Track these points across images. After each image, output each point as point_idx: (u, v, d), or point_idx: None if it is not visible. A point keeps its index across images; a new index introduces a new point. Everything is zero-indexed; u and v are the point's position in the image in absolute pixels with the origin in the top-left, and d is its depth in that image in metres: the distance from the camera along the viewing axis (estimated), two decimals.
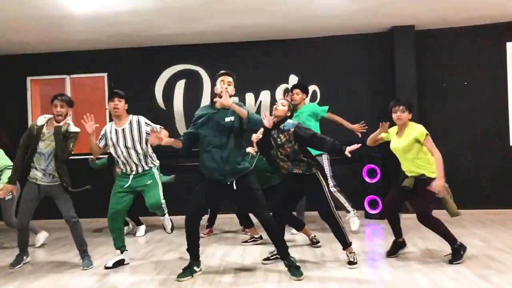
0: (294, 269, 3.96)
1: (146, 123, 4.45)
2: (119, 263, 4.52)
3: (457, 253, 4.23)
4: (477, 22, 6.74)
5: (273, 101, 7.27)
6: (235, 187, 3.92)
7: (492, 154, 6.83)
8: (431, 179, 4.21)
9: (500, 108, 6.84)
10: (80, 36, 6.60)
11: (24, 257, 4.75)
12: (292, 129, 4.12)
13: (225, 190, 3.96)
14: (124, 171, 4.47)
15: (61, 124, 4.36)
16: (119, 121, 4.42)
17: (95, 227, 6.80)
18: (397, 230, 4.53)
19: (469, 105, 6.92)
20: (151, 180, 4.48)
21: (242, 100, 7.25)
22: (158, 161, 4.68)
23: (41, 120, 4.46)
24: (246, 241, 5.35)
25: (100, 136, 4.46)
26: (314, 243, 5.08)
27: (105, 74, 7.48)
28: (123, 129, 4.38)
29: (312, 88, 7.18)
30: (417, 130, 4.21)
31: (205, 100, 7.30)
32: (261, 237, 5.31)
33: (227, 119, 3.92)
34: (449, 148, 6.89)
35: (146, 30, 6.46)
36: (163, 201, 4.51)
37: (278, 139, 4.18)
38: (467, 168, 6.89)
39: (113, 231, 4.48)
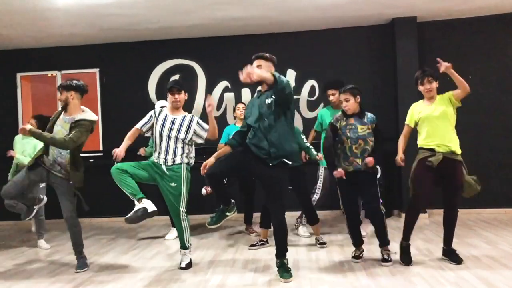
0: (284, 271, 3.78)
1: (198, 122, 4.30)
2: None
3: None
4: (482, 13, 6.46)
5: None
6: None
7: (498, 152, 6.54)
8: (460, 162, 4.07)
9: (507, 103, 6.56)
10: (68, 30, 6.39)
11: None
12: (375, 123, 4.14)
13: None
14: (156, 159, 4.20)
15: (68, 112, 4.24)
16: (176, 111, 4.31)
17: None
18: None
19: (474, 100, 6.62)
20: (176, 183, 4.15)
21: (238, 96, 7.03)
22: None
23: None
24: (253, 245, 4.98)
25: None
26: (320, 243, 4.91)
27: (97, 70, 7.28)
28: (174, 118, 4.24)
29: (310, 83, 6.94)
30: (446, 94, 4.19)
31: (200, 95, 7.07)
32: (267, 241, 5.01)
33: (268, 101, 3.72)
34: None
35: (136, 23, 6.23)
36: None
37: (360, 130, 4.07)
38: (472, 166, 6.55)
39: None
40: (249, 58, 6.93)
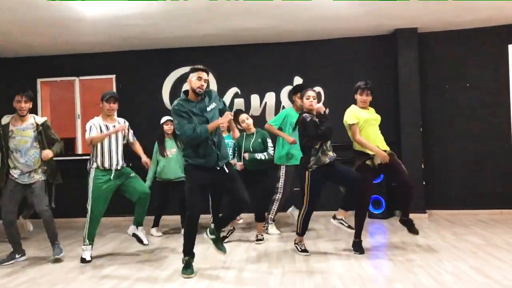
0: (220, 243, 4.24)
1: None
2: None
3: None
4: (480, 25, 6.83)
5: (278, 102, 7.40)
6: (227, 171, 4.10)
7: (494, 155, 6.89)
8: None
9: (502, 110, 6.92)
10: (89, 39, 6.77)
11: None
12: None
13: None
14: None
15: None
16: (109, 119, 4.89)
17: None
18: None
19: (472, 107, 7.00)
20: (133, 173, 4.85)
21: (248, 102, 7.39)
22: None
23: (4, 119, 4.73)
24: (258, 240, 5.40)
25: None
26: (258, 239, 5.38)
27: (113, 76, 7.64)
28: (114, 125, 4.81)
29: (316, 89, 7.28)
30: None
31: None
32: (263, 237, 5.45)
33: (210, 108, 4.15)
34: (452, 149, 7.02)
35: (153, 32, 6.61)
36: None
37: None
38: (469, 169, 6.97)
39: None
40: (258, 66, 7.42)
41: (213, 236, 4.21)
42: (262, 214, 5.50)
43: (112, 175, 4.68)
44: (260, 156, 5.35)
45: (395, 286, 3.60)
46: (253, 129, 5.54)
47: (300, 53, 7.37)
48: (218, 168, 4.05)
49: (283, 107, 7.39)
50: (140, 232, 4.91)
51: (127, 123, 4.96)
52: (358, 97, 4.85)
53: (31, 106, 4.75)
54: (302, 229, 4.68)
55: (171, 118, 5.96)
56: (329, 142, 4.59)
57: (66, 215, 7.04)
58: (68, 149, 7.92)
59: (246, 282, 3.87)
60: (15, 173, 4.64)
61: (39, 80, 7.73)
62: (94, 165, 4.70)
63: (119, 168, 4.73)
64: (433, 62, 7.10)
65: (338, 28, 6.80)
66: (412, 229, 4.71)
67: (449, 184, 6.99)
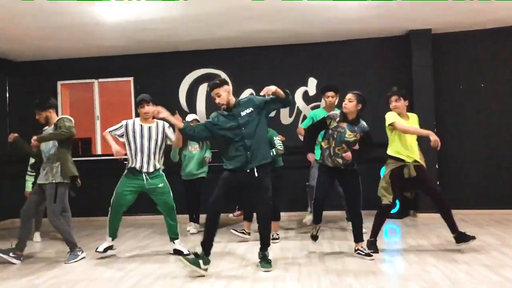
0: (266, 262, 4.29)
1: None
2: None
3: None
4: (494, 25, 6.84)
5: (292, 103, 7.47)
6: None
7: (508, 155, 6.90)
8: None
9: None
10: (109, 43, 6.94)
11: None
12: (364, 132, 4.52)
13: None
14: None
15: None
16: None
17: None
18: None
19: (486, 107, 7.01)
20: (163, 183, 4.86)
21: None
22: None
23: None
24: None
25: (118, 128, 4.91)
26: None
27: (131, 78, 7.81)
28: (149, 127, 4.84)
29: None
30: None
31: None
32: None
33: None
34: (466, 149, 7.03)
35: (170, 36, 6.75)
36: None
37: (347, 135, 4.45)
38: (484, 169, 6.98)
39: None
40: (272, 67, 7.52)
41: (261, 261, 4.34)
42: (276, 213, 5.58)
43: (143, 177, 4.77)
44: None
45: (409, 285, 3.68)
46: None
47: (314, 55, 7.46)
48: (248, 171, 4.19)
49: (298, 108, 7.49)
50: (179, 246, 4.95)
51: (166, 125, 4.92)
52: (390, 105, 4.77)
53: (51, 113, 4.97)
54: (314, 216, 4.81)
55: (197, 117, 6.23)
56: (338, 149, 4.50)
57: (86, 214, 7.24)
58: (87, 150, 8.10)
59: (263, 279, 3.99)
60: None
61: (59, 83, 7.94)
62: (128, 165, 4.86)
63: (150, 171, 4.78)
64: (447, 63, 7.13)
65: (352, 30, 6.87)
66: (466, 238, 4.61)
67: (464, 184, 7.01)
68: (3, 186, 7.32)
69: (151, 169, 4.77)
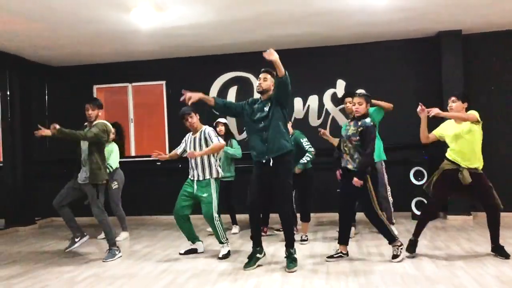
0: (290, 261, 4.39)
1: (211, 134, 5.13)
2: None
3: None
4: None
5: (321, 105, 7.55)
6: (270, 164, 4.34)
7: None
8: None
9: None
10: (143, 48, 7.20)
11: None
12: (363, 127, 4.47)
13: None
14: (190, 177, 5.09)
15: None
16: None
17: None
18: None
19: None
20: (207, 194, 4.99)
21: (291, 105, 7.57)
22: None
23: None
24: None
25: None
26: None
27: (163, 82, 8.05)
28: (194, 137, 5.09)
29: (359, 92, 7.37)
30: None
31: None
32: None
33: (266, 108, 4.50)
34: (498, 151, 6.94)
35: (201, 41, 6.94)
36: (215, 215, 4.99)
37: (350, 131, 4.54)
38: (505, 172, 6.86)
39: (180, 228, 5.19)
40: (301, 70, 7.60)
41: (287, 260, 4.45)
42: (307, 214, 5.69)
43: (194, 185, 5.02)
44: (304, 160, 5.55)
45: None
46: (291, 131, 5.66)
47: (343, 57, 7.51)
48: (264, 161, 4.35)
49: (326, 110, 7.55)
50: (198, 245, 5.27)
51: (207, 130, 5.11)
52: None
53: (99, 113, 5.18)
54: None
55: (222, 121, 6.36)
56: (345, 145, 4.57)
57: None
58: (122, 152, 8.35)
59: (292, 280, 4.10)
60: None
61: (95, 87, 8.25)
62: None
63: (199, 179, 4.99)
64: (479, 64, 7.05)
65: (381, 32, 6.90)
66: (502, 252, 4.53)
67: (494, 186, 6.90)
68: (44, 186, 7.67)
69: (199, 178, 5.00)
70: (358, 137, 4.47)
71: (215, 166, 5.04)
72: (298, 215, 5.83)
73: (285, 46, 7.46)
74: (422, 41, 7.24)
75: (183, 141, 5.22)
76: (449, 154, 4.66)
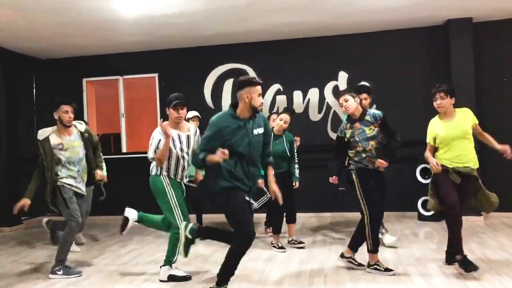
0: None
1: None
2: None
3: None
4: None
5: (321, 99, 7.15)
6: None
7: None
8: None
9: None
10: (132, 38, 6.80)
11: None
12: (380, 119, 4.08)
13: None
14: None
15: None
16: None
17: None
18: None
19: None
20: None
21: (290, 99, 7.20)
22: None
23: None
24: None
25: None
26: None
27: (156, 75, 7.66)
28: (188, 135, 4.14)
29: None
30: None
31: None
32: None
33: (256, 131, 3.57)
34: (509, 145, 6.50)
35: (194, 30, 6.54)
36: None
37: (368, 131, 4.10)
38: None
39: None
40: (300, 61, 7.20)
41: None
42: (293, 214, 5.27)
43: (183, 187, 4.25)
44: (297, 173, 5.31)
45: None
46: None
47: (345, 47, 7.09)
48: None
49: (327, 104, 7.15)
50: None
51: (196, 128, 4.31)
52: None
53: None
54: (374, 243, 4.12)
55: (198, 114, 5.85)
56: (370, 148, 4.13)
57: (112, 213, 7.13)
58: (119, 148, 8.00)
59: None
60: (71, 181, 4.42)
61: (84, 80, 7.87)
62: (164, 173, 4.09)
63: (185, 181, 4.26)
64: (490, 54, 6.61)
65: (385, 20, 6.46)
66: (468, 267, 3.87)
67: (507, 184, 6.50)
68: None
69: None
70: (379, 135, 4.10)
71: None
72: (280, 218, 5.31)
73: (283, 36, 7.07)
74: (429, 30, 6.80)
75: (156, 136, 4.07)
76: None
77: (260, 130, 3.57)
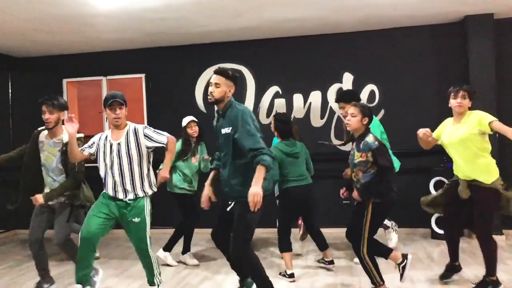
0: None
1: (145, 134, 3.60)
2: None
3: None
4: None
5: (324, 103, 6.53)
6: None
7: None
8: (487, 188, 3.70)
9: None
10: (113, 35, 6.15)
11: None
12: (371, 151, 3.54)
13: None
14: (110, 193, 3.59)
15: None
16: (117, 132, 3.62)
17: None
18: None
19: None
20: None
21: (290, 103, 6.56)
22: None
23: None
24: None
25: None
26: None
27: (142, 75, 7.01)
28: (118, 143, 3.56)
29: (369, 88, 6.37)
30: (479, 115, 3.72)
31: (249, 103, 6.65)
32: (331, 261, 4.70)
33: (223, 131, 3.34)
34: None
35: (183, 27, 5.90)
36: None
37: (355, 157, 3.61)
38: None
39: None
40: (301, 62, 6.55)
41: None
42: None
43: (114, 206, 3.57)
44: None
45: None
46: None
47: (350, 46, 6.44)
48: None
49: (331, 109, 6.52)
50: None
51: (138, 126, 3.64)
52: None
53: (61, 117, 3.97)
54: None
55: (194, 119, 5.19)
56: (354, 175, 3.72)
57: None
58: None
59: None
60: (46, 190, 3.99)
61: (65, 80, 7.22)
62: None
63: (127, 200, 3.54)
64: None
65: (395, 17, 5.82)
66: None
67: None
68: (9, 194, 6.62)
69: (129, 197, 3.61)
70: (365, 167, 3.55)
71: (151, 176, 3.68)
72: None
73: (282, 34, 6.42)
74: (445, 27, 6.15)
75: (93, 142, 3.68)
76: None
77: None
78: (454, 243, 4.03)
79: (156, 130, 3.65)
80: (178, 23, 5.75)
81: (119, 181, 3.50)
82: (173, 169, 4.90)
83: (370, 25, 6.17)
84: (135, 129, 3.58)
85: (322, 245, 4.68)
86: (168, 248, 5.01)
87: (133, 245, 3.65)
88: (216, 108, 3.46)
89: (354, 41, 6.42)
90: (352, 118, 3.59)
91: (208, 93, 3.36)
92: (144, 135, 3.56)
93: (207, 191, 3.52)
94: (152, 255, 3.63)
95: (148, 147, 3.58)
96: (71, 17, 5.29)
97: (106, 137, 3.60)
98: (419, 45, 6.27)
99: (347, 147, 4.97)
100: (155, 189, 3.66)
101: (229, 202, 3.34)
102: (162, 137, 3.60)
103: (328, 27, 6.17)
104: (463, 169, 3.78)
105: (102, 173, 3.57)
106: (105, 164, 3.54)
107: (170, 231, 5.13)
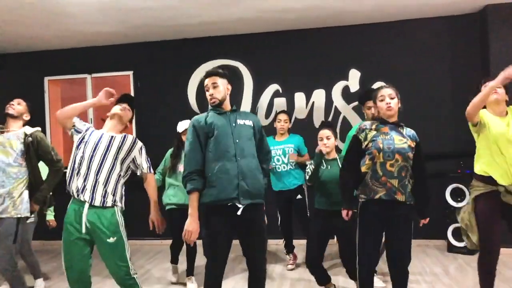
0: None
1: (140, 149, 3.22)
2: None
3: None
4: None
5: (328, 102, 6.01)
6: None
7: None
8: None
9: None
10: (95, 28, 5.62)
11: None
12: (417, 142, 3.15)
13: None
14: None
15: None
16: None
17: None
18: None
19: None
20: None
21: (291, 102, 6.06)
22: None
23: None
24: None
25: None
26: None
27: (130, 73, 6.50)
28: (112, 136, 3.12)
29: (378, 85, 5.81)
30: None
31: (246, 102, 6.13)
32: None
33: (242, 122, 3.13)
34: None
35: (173, 18, 5.38)
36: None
37: (397, 142, 3.05)
38: None
39: None
40: (303, 57, 6.03)
41: None
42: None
43: (83, 212, 2.89)
44: None
45: None
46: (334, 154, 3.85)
47: (357, 40, 5.94)
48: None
49: (336, 108, 6.00)
50: None
51: (138, 142, 3.22)
52: None
53: (25, 110, 3.80)
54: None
55: None
56: (391, 163, 3.02)
57: None
58: None
59: None
60: None
61: (46, 79, 6.69)
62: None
63: (95, 204, 2.91)
64: None
65: (408, 7, 5.33)
66: None
67: None
68: None
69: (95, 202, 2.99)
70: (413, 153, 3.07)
71: (123, 189, 3.11)
72: None
73: (282, 27, 5.93)
74: (462, 18, 5.66)
75: (86, 127, 3.15)
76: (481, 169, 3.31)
77: None
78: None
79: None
80: (166, 15, 5.24)
81: (92, 179, 2.89)
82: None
83: (379, 17, 5.68)
84: (134, 138, 3.19)
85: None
86: (189, 272, 4.42)
87: (111, 272, 3.04)
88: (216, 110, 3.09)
89: (361, 35, 5.93)
90: (391, 100, 3.12)
91: (209, 97, 3.05)
92: (139, 149, 3.17)
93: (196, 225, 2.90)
94: (135, 275, 3.02)
95: (131, 161, 3.13)
96: (49, 7, 4.77)
97: (99, 131, 3.14)
98: (433, 38, 5.77)
99: None
100: (123, 206, 3.09)
101: (241, 203, 2.83)
102: (147, 165, 3.21)
103: (332, 19, 5.68)
104: None
105: (72, 166, 2.95)
106: (82, 156, 2.94)
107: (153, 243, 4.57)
